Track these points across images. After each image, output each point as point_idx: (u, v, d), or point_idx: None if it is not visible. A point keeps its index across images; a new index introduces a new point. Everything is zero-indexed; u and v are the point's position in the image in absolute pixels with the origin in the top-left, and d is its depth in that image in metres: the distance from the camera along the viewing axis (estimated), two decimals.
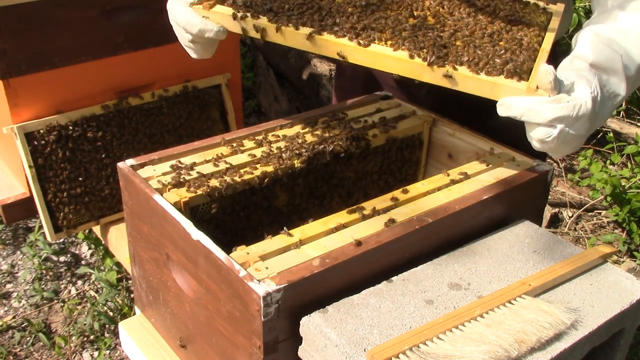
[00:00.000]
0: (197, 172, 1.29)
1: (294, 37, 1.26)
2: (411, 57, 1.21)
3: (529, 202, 1.35)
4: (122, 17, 1.80)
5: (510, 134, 1.37)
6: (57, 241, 3.14)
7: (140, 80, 1.89)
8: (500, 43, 1.26)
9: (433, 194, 1.26)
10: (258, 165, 1.34)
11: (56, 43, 1.72)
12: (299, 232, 1.13)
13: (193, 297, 1.19)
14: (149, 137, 1.91)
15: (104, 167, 1.84)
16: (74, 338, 2.75)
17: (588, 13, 3.63)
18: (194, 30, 1.29)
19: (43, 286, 2.99)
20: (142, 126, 1.89)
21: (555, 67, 1.16)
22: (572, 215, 3.51)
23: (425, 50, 1.21)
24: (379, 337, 0.99)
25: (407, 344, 0.95)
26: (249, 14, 1.28)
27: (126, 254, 1.52)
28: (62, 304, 2.90)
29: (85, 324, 2.75)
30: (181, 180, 1.27)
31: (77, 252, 3.19)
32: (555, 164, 3.81)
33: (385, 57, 1.22)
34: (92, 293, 2.95)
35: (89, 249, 3.16)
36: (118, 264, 2.85)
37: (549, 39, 1.29)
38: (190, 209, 1.24)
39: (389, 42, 1.24)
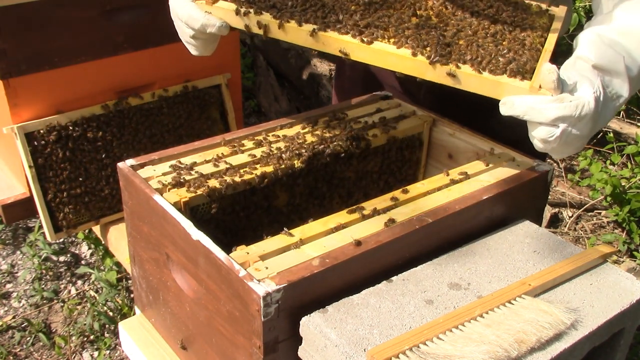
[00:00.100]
0: (197, 172, 1.29)
1: (297, 33, 1.26)
2: (414, 54, 1.20)
3: (529, 202, 1.35)
4: (122, 17, 1.80)
5: (510, 134, 1.37)
6: (57, 241, 3.14)
7: (140, 80, 1.89)
8: (503, 43, 1.26)
9: (433, 194, 1.26)
10: (258, 165, 1.34)
11: (56, 43, 1.72)
12: (299, 232, 1.13)
13: (193, 297, 1.19)
14: (149, 137, 1.91)
15: (104, 167, 1.84)
16: (74, 338, 2.75)
17: (588, 13, 3.62)
18: (196, 25, 1.28)
19: (43, 286, 2.99)
20: (142, 126, 1.89)
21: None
22: (572, 215, 3.51)
23: (428, 48, 1.21)
24: (378, 337, 0.99)
25: (407, 344, 0.95)
26: (252, 10, 1.28)
27: (126, 254, 1.52)
28: (62, 304, 2.90)
29: (85, 324, 2.75)
30: (181, 180, 1.27)
31: (77, 252, 3.19)
32: (555, 164, 3.81)
33: (388, 54, 1.22)
34: (92, 293, 2.95)
35: (89, 248, 3.16)
36: (118, 264, 2.85)
37: (552, 39, 1.29)
38: (190, 209, 1.24)
39: (392, 40, 1.24)
